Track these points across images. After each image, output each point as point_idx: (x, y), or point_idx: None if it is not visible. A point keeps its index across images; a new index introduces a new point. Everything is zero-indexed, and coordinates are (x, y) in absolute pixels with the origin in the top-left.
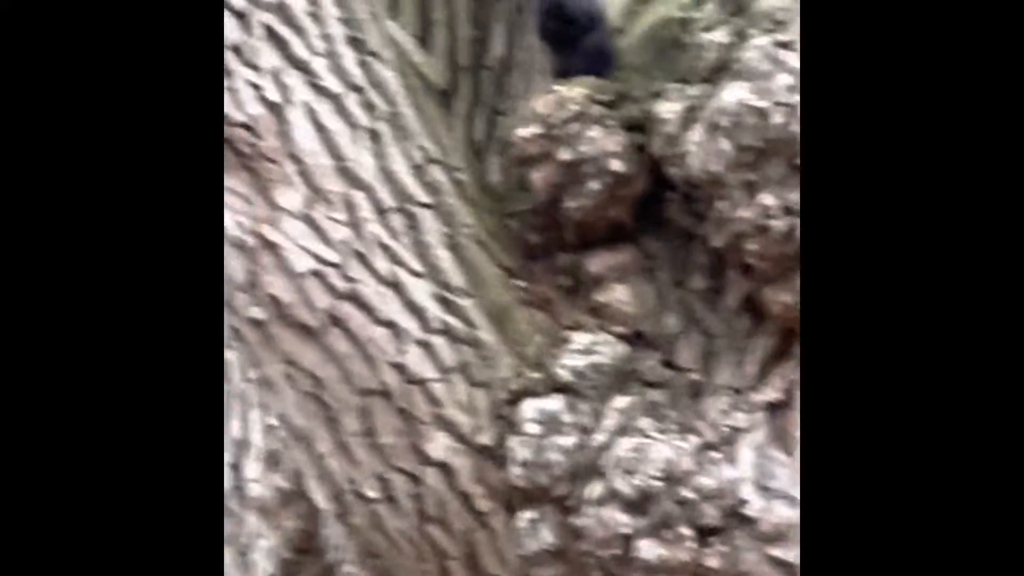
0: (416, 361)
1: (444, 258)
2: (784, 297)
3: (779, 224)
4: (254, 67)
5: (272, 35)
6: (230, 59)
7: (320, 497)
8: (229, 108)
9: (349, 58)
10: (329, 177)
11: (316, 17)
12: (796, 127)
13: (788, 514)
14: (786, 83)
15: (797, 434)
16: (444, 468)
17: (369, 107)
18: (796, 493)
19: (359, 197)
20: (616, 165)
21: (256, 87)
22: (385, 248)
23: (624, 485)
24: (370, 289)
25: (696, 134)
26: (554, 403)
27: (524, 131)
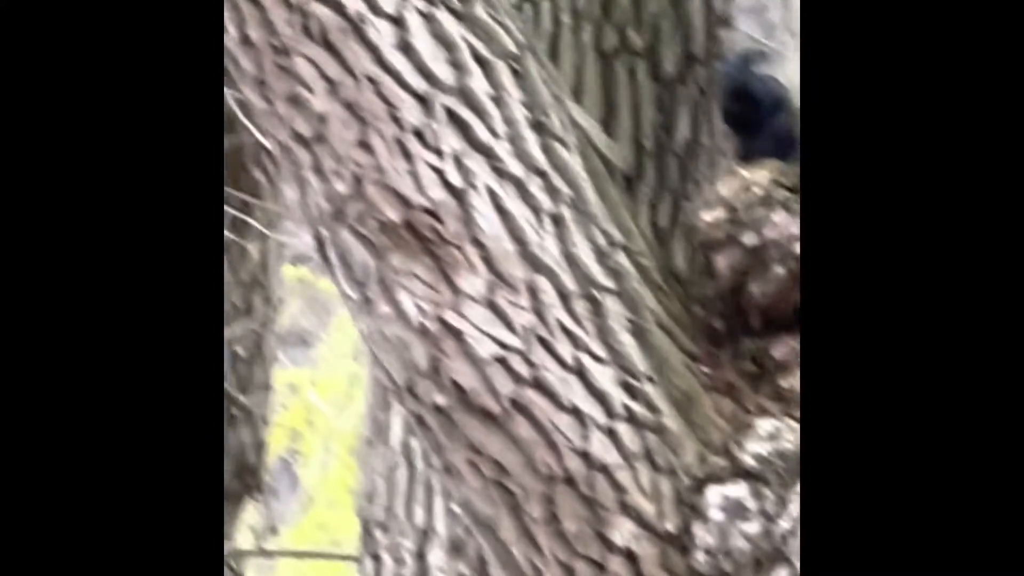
0: (600, 447)
1: (628, 343)
2: None
3: None
4: (436, 151)
5: (454, 118)
6: (412, 142)
7: None
8: (412, 192)
9: (532, 142)
10: (512, 262)
11: (499, 101)
12: None
13: None
14: None
15: None
16: (628, 555)
17: (552, 191)
18: None
19: (542, 282)
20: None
21: (438, 171)
22: (569, 334)
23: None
24: (554, 375)
25: None
26: (739, 489)
27: (708, 215)
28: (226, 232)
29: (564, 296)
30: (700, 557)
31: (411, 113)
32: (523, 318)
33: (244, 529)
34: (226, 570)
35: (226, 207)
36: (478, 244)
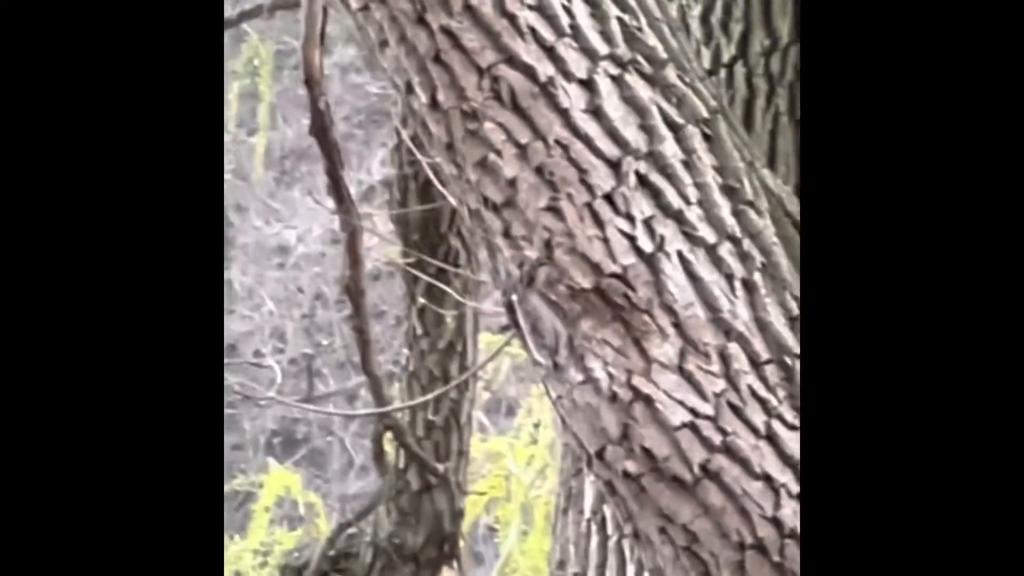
0: (791, 514)
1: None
2: None
3: None
4: (627, 217)
5: (645, 184)
6: (602, 208)
7: None
8: (602, 258)
9: (723, 207)
10: (703, 328)
11: (689, 165)
12: None
13: None
14: None
15: None
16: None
17: (744, 257)
18: None
19: (734, 348)
20: None
21: (629, 237)
22: (760, 400)
23: None
24: (745, 442)
25: None
26: None
27: None
28: (420, 298)
29: (755, 362)
30: None
31: (601, 178)
32: (714, 385)
33: None
34: None
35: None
36: (669, 310)
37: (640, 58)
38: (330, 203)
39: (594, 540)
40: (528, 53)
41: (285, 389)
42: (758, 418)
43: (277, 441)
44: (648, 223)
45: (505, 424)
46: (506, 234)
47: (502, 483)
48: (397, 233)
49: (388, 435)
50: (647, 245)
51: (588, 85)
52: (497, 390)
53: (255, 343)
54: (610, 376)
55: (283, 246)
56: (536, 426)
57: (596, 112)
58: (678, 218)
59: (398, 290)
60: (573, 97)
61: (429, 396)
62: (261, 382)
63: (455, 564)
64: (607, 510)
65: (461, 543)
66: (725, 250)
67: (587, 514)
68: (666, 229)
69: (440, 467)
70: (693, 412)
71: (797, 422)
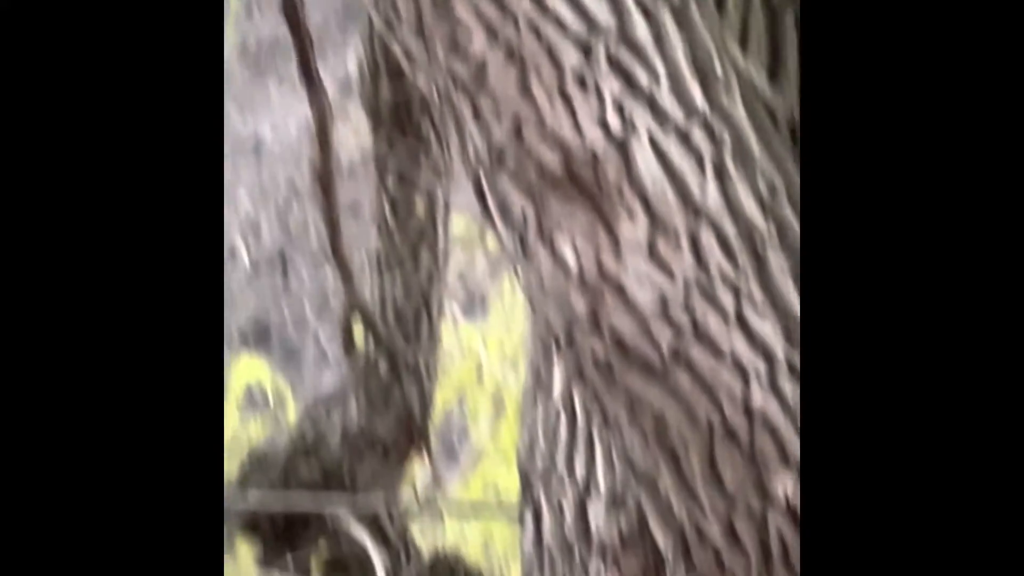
0: (761, 400)
1: (790, 294)
2: None
3: None
4: (597, 96)
5: (615, 64)
6: (572, 88)
7: (663, 539)
8: (571, 138)
9: (694, 88)
10: (673, 210)
11: (660, 46)
12: None
13: None
14: None
15: None
16: (789, 509)
17: (714, 139)
18: None
19: (703, 231)
20: None
21: (599, 117)
22: (730, 284)
23: None
24: (714, 326)
25: None
26: None
27: None
28: (391, 185)
29: (726, 245)
30: None
31: (571, 58)
32: (684, 267)
33: (410, 485)
34: (390, 524)
35: (392, 159)
36: (638, 191)
37: None
38: (303, 94)
39: (563, 426)
40: None
41: (258, 284)
42: (727, 301)
43: (250, 334)
44: (618, 103)
45: (478, 320)
46: (475, 115)
47: (473, 372)
48: (368, 118)
49: (357, 322)
50: (617, 125)
51: None
52: (470, 286)
53: (229, 238)
54: (578, 258)
55: (258, 140)
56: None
57: None
58: (648, 99)
59: (372, 184)
60: None
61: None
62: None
63: (424, 452)
64: (576, 394)
65: (431, 431)
66: (695, 131)
67: (556, 399)
68: (636, 109)
69: (410, 354)
70: (662, 294)
71: (767, 305)
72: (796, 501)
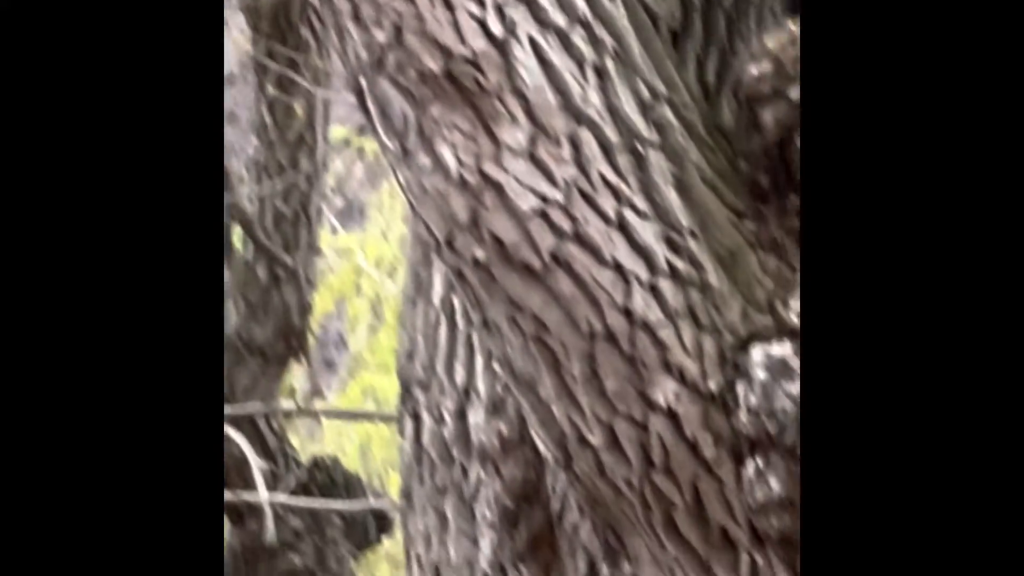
0: (642, 304)
1: (671, 198)
2: None
3: None
4: (478, 0)
5: None
6: None
7: (543, 444)
8: (452, 42)
9: None
10: (554, 114)
11: None
12: None
13: None
14: None
15: None
16: (670, 414)
17: (596, 42)
18: None
19: (585, 135)
20: None
21: (479, 20)
22: (611, 187)
23: None
24: (595, 230)
25: None
26: (783, 348)
27: (755, 69)
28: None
29: (607, 149)
30: (743, 417)
31: None
32: (564, 171)
33: (288, 391)
34: (268, 431)
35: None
36: (519, 95)
37: None
38: None
39: (443, 330)
40: None
41: None
42: (608, 205)
43: None
44: (499, 7)
45: (356, 229)
46: (355, 17)
47: (351, 280)
48: (247, 23)
49: (236, 227)
50: (497, 29)
51: None
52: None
53: None
54: (459, 161)
55: None
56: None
57: None
58: (528, 2)
59: (252, 93)
60: None
61: (280, 185)
62: None
63: (303, 359)
64: (456, 300)
65: (309, 339)
66: (577, 35)
67: (436, 304)
68: (517, 13)
69: (288, 260)
70: (543, 198)
71: (648, 210)
72: (678, 408)
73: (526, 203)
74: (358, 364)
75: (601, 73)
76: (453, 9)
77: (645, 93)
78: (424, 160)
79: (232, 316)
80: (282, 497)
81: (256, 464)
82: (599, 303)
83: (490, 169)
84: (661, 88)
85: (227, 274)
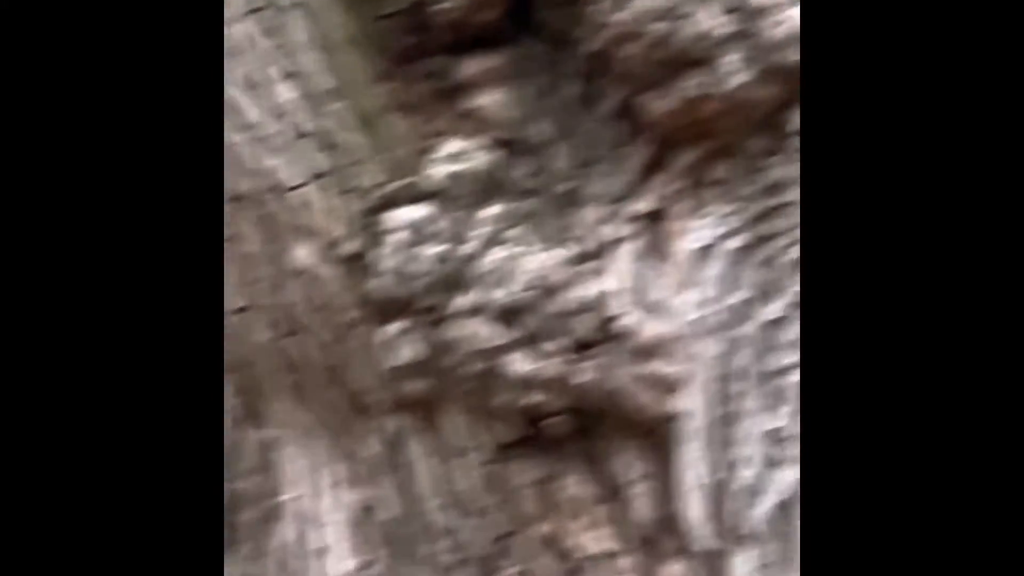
0: (280, 166)
1: (312, 60)
2: (659, 105)
3: (654, 28)
4: None
5: None
6: None
7: None
8: None
9: None
10: None
11: None
12: None
13: (664, 328)
14: None
15: (674, 246)
16: (307, 278)
17: None
18: (673, 306)
19: None
20: None
21: None
22: (248, 49)
23: (493, 297)
24: (233, 90)
25: None
26: (422, 211)
27: None
28: None
29: (247, 10)
30: (381, 281)
31: None
32: None
33: None
34: None
35: None
36: None
37: None
38: None
39: None
40: None
41: None
42: (240, 73)
43: None
44: None
45: None
46: None
47: None
48: None
49: None
50: None
51: None
52: None
53: None
54: None
55: None
56: None
57: None
58: None
59: None
60: None
61: None
62: None
63: None
64: None
65: None
66: None
67: None
68: None
69: None
70: None
71: (288, 70)
72: (315, 271)
73: None
74: None
75: None
76: None
77: None
78: None
79: None
80: None
81: None
82: (234, 165)
83: None
84: None
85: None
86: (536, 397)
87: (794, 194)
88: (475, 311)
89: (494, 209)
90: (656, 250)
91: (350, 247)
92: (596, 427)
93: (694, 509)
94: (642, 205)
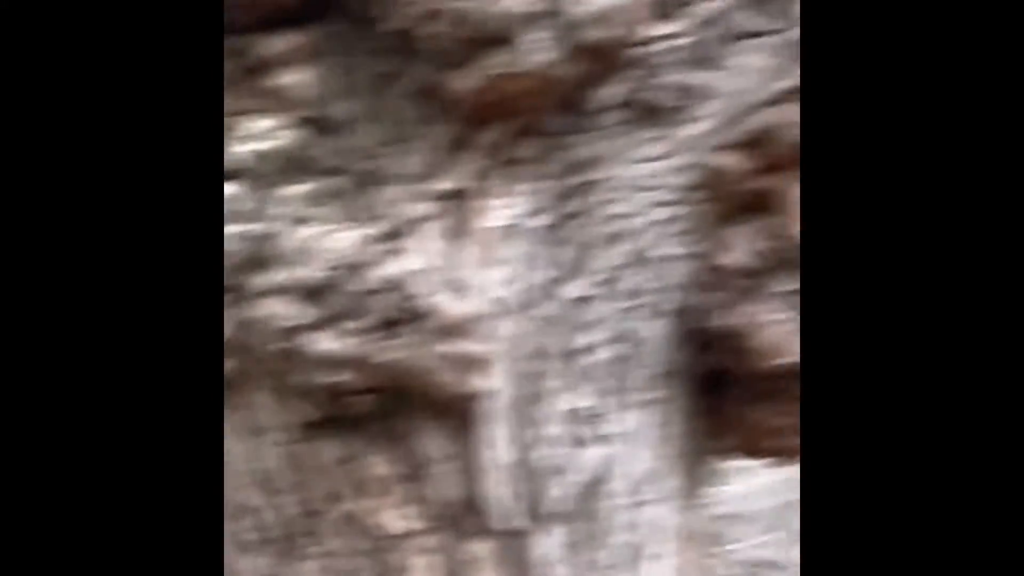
0: None
1: None
2: (463, 83)
3: (456, 7)
4: None
5: None
6: None
7: None
8: None
9: None
10: None
11: None
12: None
13: (468, 307)
14: None
15: (479, 224)
16: None
17: None
18: (478, 284)
19: None
20: None
21: None
22: None
23: (296, 276)
24: None
25: None
26: (230, 188)
27: None
28: None
29: None
30: None
31: None
32: None
33: None
34: None
35: None
36: None
37: None
38: None
39: None
40: None
41: None
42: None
43: None
44: None
45: None
46: None
47: None
48: None
49: None
50: None
51: None
52: None
53: None
54: None
55: None
56: None
57: None
58: None
59: None
60: None
61: None
62: None
63: None
64: None
65: None
66: None
67: None
68: None
69: None
70: None
71: None
72: None
73: None
74: None
75: None
76: None
77: None
78: None
79: None
80: None
81: None
82: None
83: None
84: None
85: None
86: (339, 376)
87: (610, 172)
88: (279, 290)
89: (299, 188)
90: (461, 229)
91: None
92: (400, 406)
93: (497, 488)
94: (447, 184)
